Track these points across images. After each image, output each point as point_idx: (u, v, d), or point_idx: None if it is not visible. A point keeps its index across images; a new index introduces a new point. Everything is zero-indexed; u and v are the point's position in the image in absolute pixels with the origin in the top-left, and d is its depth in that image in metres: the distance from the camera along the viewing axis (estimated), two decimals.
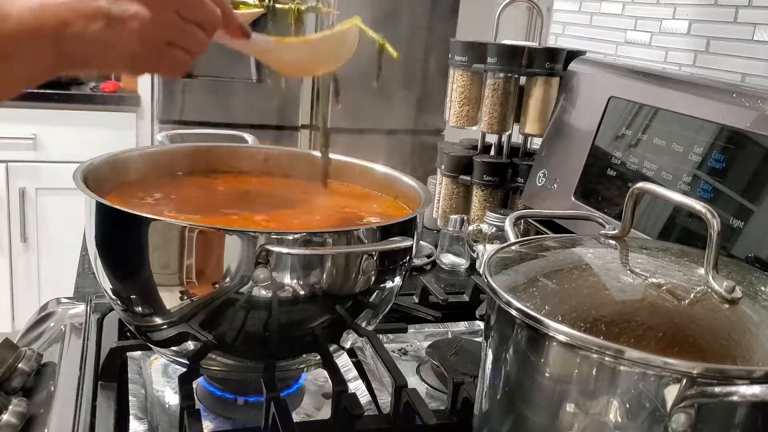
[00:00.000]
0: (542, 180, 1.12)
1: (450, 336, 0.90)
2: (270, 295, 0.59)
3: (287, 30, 0.78)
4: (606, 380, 0.48)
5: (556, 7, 1.49)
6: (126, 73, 0.55)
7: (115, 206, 0.60)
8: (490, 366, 0.58)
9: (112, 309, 0.81)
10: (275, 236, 0.57)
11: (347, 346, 0.71)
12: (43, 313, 0.86)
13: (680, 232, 0.82)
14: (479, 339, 0.86)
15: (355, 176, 0.84)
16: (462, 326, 0.92)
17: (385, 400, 0.72)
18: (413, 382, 0.78)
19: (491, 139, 1.27)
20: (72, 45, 0.51)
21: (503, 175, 1.20)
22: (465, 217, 1.13)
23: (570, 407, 0.50)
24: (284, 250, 0.57)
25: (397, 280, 0.68)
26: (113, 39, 0.52)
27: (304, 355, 0.68)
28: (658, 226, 0.85)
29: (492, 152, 1.27)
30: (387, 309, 0.71)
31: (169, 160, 0.82)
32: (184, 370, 0.67)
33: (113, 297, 0.66)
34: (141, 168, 0.79)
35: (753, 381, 0.45)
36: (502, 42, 1.19)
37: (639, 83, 0.98)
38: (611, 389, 0.48)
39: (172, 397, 0.72)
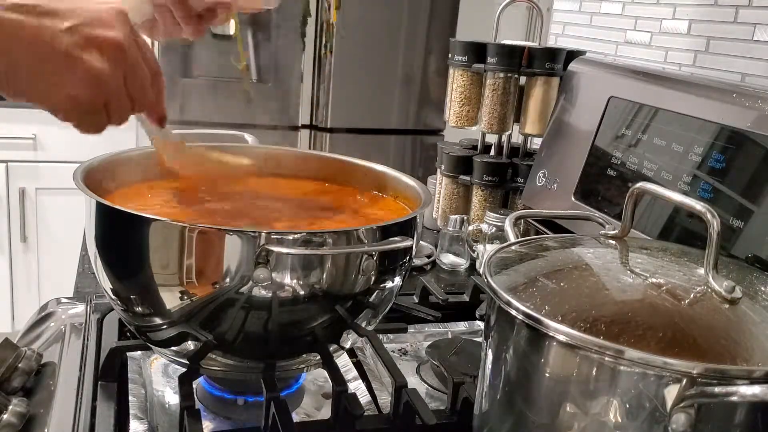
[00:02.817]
0: (542, 180, 1.12)
1: (450, 336, 0.90)
2: (270, 295, 0.59)
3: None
4: (606, 380, 0.48)
5: (556, 7, 1.49)
6: (54, 112, 0.53)
7: (115, 206, 0.60)
8: (490, 366, 0.58)
9: (112, 309, 0.81)
10: (275, 236, 0.57)
11: (347, 346, 0.71)
12: (43, 313, 0.86)
13: (680, 232, 0.82)
14: (479, 339, 0.86)
15: (355, 176, 0.84)
16: (462, 326, 0.92)
17: (385, 400, 0.72)
18: (413, 382, 0.78)
19: (491, 139, 1.27)
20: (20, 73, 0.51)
21: (503, 175, 1.20)
22: (465, 217, 1.13)
23: (570, 407, 0.50)
24: (284, 250, 0.57)
25: (397, 280, 0.68)
26: (65, 74, 0.52)
27: (304, 355, 0.68)
28: (658, 226, 0.85)
29: (492, 152, 1.27)
30: (387, 309, 0.71)
31: None
32: (184, 370, 0.67)
33: (113, 297, 0.66)
34: (141, 168, 0.79)
35: (753, 381, 0.45)
36: (502, 42, 1.19)
37: (639, 83, 0.98)
38: (611, 389, 0.48)
39: (172, 397, 0.72)
